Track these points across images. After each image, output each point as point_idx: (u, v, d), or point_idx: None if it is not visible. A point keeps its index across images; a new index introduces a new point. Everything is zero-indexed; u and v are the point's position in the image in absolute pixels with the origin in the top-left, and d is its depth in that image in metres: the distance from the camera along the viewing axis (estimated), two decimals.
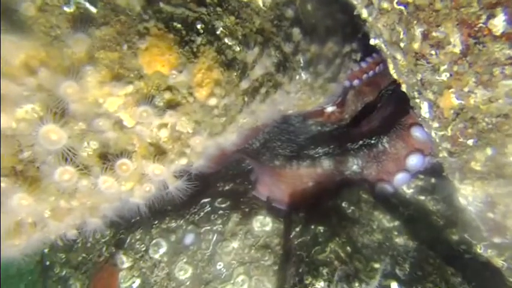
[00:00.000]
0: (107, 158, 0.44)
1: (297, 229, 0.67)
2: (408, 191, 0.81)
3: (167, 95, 0.41)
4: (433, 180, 0.82)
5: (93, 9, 0.38)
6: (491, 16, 0.47)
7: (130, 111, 0.40)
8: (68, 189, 0.45)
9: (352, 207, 0.70)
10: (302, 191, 0.71)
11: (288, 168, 0.72)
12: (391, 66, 0.71)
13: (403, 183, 0.73)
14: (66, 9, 0.37)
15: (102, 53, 0.38)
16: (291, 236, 0.67)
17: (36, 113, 0.41)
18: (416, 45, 0.55)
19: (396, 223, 0.70)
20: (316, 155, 0.73)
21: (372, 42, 0.70)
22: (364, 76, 0.83)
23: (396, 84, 0.75)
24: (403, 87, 0.70)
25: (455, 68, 0.52)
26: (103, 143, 0.43)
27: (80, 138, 0.43)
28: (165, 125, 0.42)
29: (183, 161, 0.44)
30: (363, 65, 0.82)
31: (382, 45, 0.66)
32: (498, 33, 0.47)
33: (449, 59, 0.52)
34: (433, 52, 0.53)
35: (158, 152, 0.43)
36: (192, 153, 0.45)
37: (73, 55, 0.37)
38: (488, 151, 0.55)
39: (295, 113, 0.73)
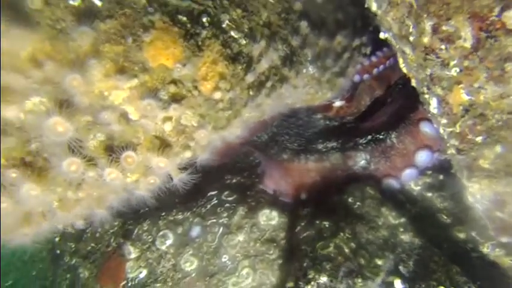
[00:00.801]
0: (112, 150, 0.44)
1: (302, 224, 0.67)
2: (416, 187, 0.80)
3: (172, 89, 0.41)
4: (441, 177, 0.81)
5: (98, 2, 0.38)
6: (506, 8, 0.46)
7: (135, 104, 0.40)
8: (75, 180, 0.46)
9: (358, 203, 0.69)
10: (309, 185, 0.71)
11: (296, 162, 0.72)
12: (400, 61, 0.70)
13: (410, 179, 0.72)
14: (71, 2, 0.37)
15: (107, 46, 0.38)
16: (296, 231, 0.67)
17: (43, 105, 0.42)
18: (425, 40, 0.54)
19: (402, 220, 0.69)
20: (324, 150, 0.73)
21: (382, 36, 0.69)
22: (375, 70, 0.82)
23: (406, 79, 0.74)
24: (413, 82, 0.70)
25: (465, 63, 0.51)
26: (109, 135, 0.44)
27: (87, 130, 0.44)
28: (169, 118, 0.42)
29: (188, 154, 0.44)
30: (373, 59, 0.81)
31: (392, 39, 0.65)
32: None
33: (459, 53, 0.51)
34: (443, 47, 0.52)
35: (163, 145, 0.43)
36: (196, 146, 0.45)
37: (78, 48, 0.37)
38: (498, 149, 0.53)
39: (303, 107, 0.72)
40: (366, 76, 0.82)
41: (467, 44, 0.50)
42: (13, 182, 0.44)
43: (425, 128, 0.71)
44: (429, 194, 0.79)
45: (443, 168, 0.81)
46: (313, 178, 0.71)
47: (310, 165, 0.71)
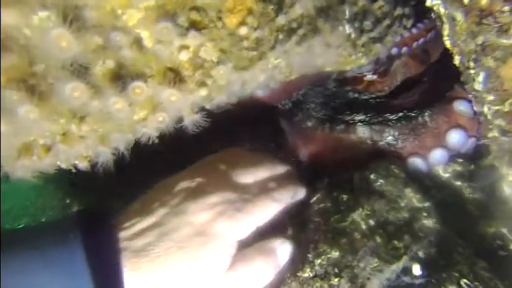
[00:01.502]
0: (121, 80, 0.40)
1: (318, 195, 0.63)
2: (444, 174, 0.74)
3: (193, 15, 0.36)
4: (472, 166, 0.75)
5: None
6: None
7: (151, 29, 0.36)
8: (79, 110, 0.43)
9: (381, 180, 0.64)
10: (331, 155, 0.66)
11: (320, 131, 0.67)
12: (445, 32, 0.63)
13: (439, 162, 0.66)
14: None
15: None
16: (311, 202, 0.63)
17: (51, 21, 0.38)
18: (484, 1, 0.47)
19: (426, 204, 0.64)
20: (351, 122, 0.67)
21: (429, 2, 0.63)
22: (414, 44, 0.75)
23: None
24: (456, 60, 0.63)
25: None
26: (119, 63, 0.40)
27: (96, 54, 0.40)
28: (186, 47, 0.37)
29: (203, 92, 0.40)
30: (414, 30, 0.74)
31: (441, 5, 0.59)
32: None
33: None
34: (505, 8, 0.46)
35: (177, 80, 0.39)
36: (213, 85, 0.40)
37: None
38: None
39: (332, 75, 0.67)
40: (404, 49, 0.76)
41: None
42: (13, 104, 0.41)
43: (461, 106, 0.64)
44: (458, 183, 0.74)
45: (476, 157, 0.75)
46: (336, 148, 0.67)
47: (334, 135, 0.66)
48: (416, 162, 0.66)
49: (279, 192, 0.55)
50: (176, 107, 0.39)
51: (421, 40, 0.77)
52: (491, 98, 0.52)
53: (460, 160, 0.76)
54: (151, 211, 0.49)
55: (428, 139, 0.66)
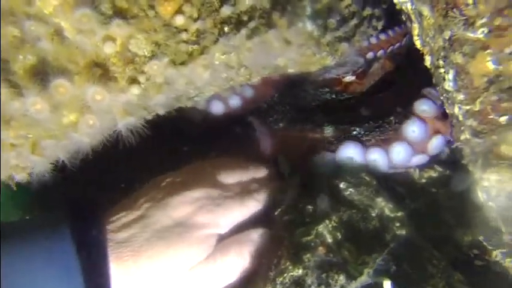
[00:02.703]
0: (42, 78, 0.35)
1: (283, 206, 0.58)
2: (419, 181, 0.71)
3: (118, 2, 0.32)
4: (448, 172, 0.73)
5: None
6: None
7: (70, 17, 0.31)
8: (3, 113, 0.37)
9: (350, 189, 0.60)
10: (299, 155, 0.66)
11: (288, 131, 0.68)
12: (415, 32, 0.61)
13: (401, 157, 0.65)
14: None
15: None
16: (276, 214, 0.58)
17: None
18: None
19: (399, 214, 0.60)
20: (321, 122, 0.68)
21: (397, 0, 0.60)
22: (390, 48, 0.74)
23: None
24: (427, 61, 0.61)
25: (497, 21, 0.41)
26: (41, 58, 0.35)
27: (15, 49, 0.35)
28: (112, 39, 0.32)
29: (135, 91, 0.35)
30: (390, 33, 0.73)
31: (408, 2, 0.56)
32: None
33: (491, 8, 0.41)
34: (469, 1, 0.43)
35: (106, 77, 0.34)
36: (148, 83, 0.36)
37: None
38: None
39: (297, 73, 0.64)
40: (380, 52, 0.75)
41: None
42: None
43: (423, 105, 0.65)
44: (433, 190, 0.71)
45: (451, 163, 0.73)
46: (301, 147, 0.66)
47: (301, 134, 0.67)
48: (377, 152, 0.64)
49: (258, 192, 0.58)
50: (103, 107, 0.34)
51: (397, 44, 0.75)
52: (461, 97, 0.49)
53: (436, 166, 0.74)
54: (137, 206, 0.52)
55: (390, 134, 0.67)
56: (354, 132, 0.67)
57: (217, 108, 0.75)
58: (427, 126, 0.65)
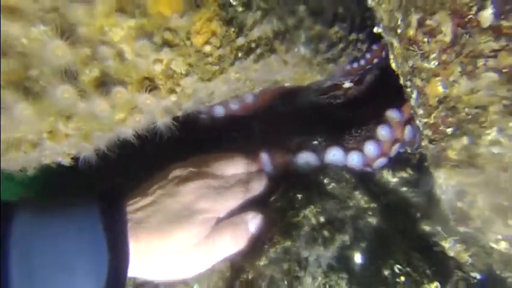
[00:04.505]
0: (105, 86, 0.48)
1: (275, 196, 0.71)
2: (392, 179, 0.83)
3: (166, 35, 0.45)
4: (417, 175, 0.85)
5: None
6: (481, 8, 0.49)
7: (131, 44, 0.44)
8: (67, 110, 0.50)
9: (333, 184, 0.73)
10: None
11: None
12: (391, 56, 0.73)
13: (371, 151, 0.77)
14: None
15: None
16: (270, 201, 0.71)
17: (47, 35, 0.46)
18: (411, 32, 0.57)
19: (372, 205, 0.72)
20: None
21: (376, 29, 0.73)
22: (375, 60, 0.87)
23: None
24: (401, 80, 0.73)
25: (443, 57, 0.55)
26: (104, 71, 0.47)
27: (84, 63, 0.47)
28: (160, 61, 0.45)
29: (173, 98, 0.48)
30: (375, 47, 0.86)
31: (383, 33, 0.69)
32: (485, 26, 0.50)
33: (439, 47, 0.54)
34: (425, 39, 0.56)
35: (152, 87, 0.47)
36: (182, 93, 0.49)
37: None
38: (465, 140, 0.57)
39: (292, 86, 0.76)
40: (376, 60, 0.88)
41: (447, 39, 0.54)
42: (10, 102, 0.48)
43: (392, 113, 0.78)
44: (404, 189, 0.83)
45: (421, 166, 0.85)
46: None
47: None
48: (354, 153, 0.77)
49: (251, 183, 0.69)
50: (150, 109, 0.47)
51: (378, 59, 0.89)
52: (421, 112, 0.62)
53: (408, 169, 0.86)
54: (150, 192, 0.61)
55: (363, 133, 0.80)
56: (315, 142, 0.78)
57: (219, 111, 0.88)
58: (392, 130, 0.79)
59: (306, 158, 0.75)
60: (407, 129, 0.81)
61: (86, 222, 0.52)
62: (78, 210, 0.53)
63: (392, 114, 0.79)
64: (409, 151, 0.89)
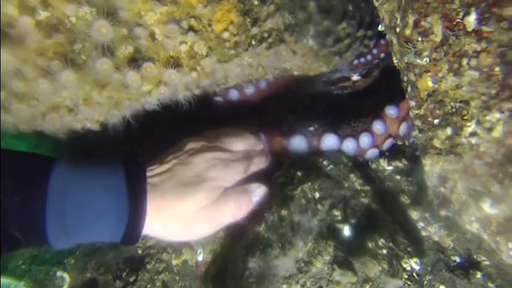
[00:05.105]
0: (137, 62, 0.56)
1: (279, 172, 0.79)
2: (388, 167, 0.90)
3: (192, 21, 0.53)
4: (411, 165, 0.91)
5: None
6: (467, 14, 0.56)
7: (162, 27, 0.52)
8: (103, 80, 0.59)
9: (331, 166, 0.80)
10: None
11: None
12: (392, 53, 0.80)
13: (366, 143, 0.83)
14: None
15: None
16: (273, 177, 0.79)
17: (92, 15, 0.54)
18: (408, 31, 0.64)
19: (366, 187, 0.79)
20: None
21: (380, 28, 0.80)
22: (382, 55, 0.93)
23: None
24: (401, 75, 0.80)
25: (434, 55, 0.61)
26: (137, 49, 0.56)
27: (121, 41, 0.56)
28: (185, 42, 0.54)
29: (194, 75, 0.56)
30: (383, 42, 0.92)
31: (385, 31, 0.76)
32: (470, 29, 0.56)
33: (430, 46, 0.61)
34: (419, 39, 0.63)
35: (176, 65, 0.55)
36: (202, 71, 0.57)
37: None
38: (449, 131, 0.64)
39: (301, 75, 0.84)
40: (382, 55, 0.94)
41: (437, 39, 0.60)
42: (57, 70, 0.56)
43: (389, 110, 0.84)
44: (398, 177, 0.90)
45: (415, 157, 0.92)
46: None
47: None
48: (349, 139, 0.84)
49: (256, 158, 0.75)
50: (174, 83, 0.56)
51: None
52: (413, 104, 0.69)
53: (403, 159, 0.92)
54: (167, 161, 0.68)
55: (360, 125, 0.87)
56: (311, 128, 0.84)
57: (234, 95, 0.95)
58: (387, 126, 0.85)
59: (298, 142, 0.82)
60: (403, 126, 0.87)
61: (112, 179, 0.59)
62: (106, 168, 0.61)
63: (389, 110, 0.85)
64: (406, 144, 0.96)
